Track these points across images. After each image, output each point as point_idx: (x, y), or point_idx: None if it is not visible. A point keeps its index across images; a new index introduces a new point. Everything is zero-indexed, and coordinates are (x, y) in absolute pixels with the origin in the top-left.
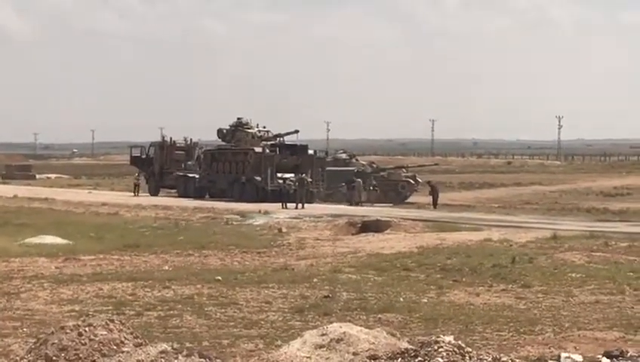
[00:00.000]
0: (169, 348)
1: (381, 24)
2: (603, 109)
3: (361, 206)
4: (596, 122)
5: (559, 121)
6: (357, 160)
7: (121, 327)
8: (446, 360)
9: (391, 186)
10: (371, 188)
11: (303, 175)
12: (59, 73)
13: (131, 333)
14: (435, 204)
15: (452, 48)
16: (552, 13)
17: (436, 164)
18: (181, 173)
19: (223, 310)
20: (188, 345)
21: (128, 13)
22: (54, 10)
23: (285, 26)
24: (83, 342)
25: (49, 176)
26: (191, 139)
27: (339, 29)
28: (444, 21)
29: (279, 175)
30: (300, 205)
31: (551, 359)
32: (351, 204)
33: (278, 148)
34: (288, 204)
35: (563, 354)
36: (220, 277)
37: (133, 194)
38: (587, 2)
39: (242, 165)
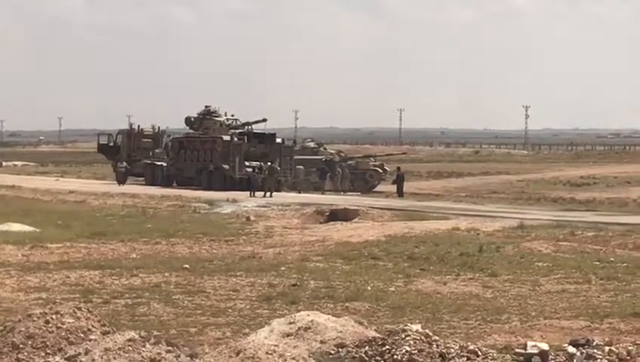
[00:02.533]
0: (137, 336)
1: (347, 12)
2: (570, 99)
3: (324, 194)
4: (563, 112)
5: (526, 111)
6: (325, 149)
7: (89, 315)
8: (413, 348)
9: (359, 175)
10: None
11: (272, 163)
12: (26, 60)
13: (99, 321)
14: (400, 192)
15: (419, 37)
16: (518, 2)
17: (404, 153)
18: (149, 161)
19: (190, 298)
20: (155, 333)
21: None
22: None
23: (252, 15)
24: (50, 329)
25: (15, 163)
26: (159, 127)
27: (306, 17)
28: (411, 9)
29: (247, 163)
30: (268, 193)
31: (517, 347)
32: (322, 193)
33: (246, 137)
34: (256, 193)
35: (529, 343)
36: (187, 266)
37: (118, 184)
38: None
39: (210, 153)
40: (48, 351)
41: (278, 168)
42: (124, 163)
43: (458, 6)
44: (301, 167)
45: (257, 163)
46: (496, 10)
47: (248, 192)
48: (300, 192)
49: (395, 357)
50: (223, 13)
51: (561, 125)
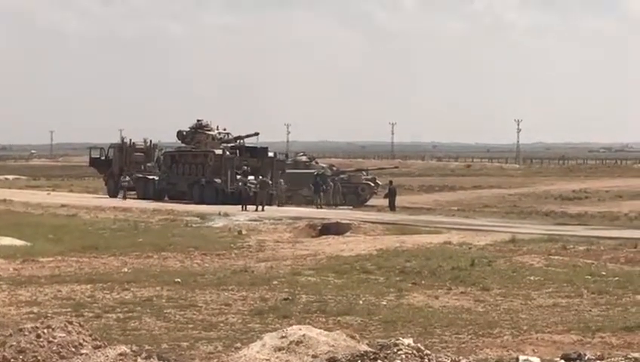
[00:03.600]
0: (128, 351)
1: (338, 26)
2: (562, 113)
3: (321, 208)
4: (555, 126)
5: (518, 125)
6: (317, 162)
7: (80, 329)
8: None
9: (351, 189)
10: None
11: (263, 177)
12: (16, 73)
13: (90, 335)
14: (392, 206)
15: (410, 51)
16: (509, 17)
17: (396, 167)
18: (140, 175)
19: (182, 312)
20: (147, 347)
21: (86, 13)
22: (11, 10)
23: (242, 29)
24: (41, 344)
25: (7, 177)
26: (151, 141)
27: (297, 31)
28: (402, 24)
29: (239, 177)
30: (260, 207)
31: (509, 361)
32: (317, 207)
33: (238, 151)
34: (248, 206)
35: (521, 357)
36: (179, 280)
37: (122, 198)
38: (544, 7)
39: (202, 167)
40: None
41: (270, 182)
42: (127, 177)
43: (449, 19)
44: (281, 180)
45: (249, 177)
46: (487, 24)
47: (240, 206)
48: (279, 206)
49: None
50: (213, 26)
51: (553, 139)
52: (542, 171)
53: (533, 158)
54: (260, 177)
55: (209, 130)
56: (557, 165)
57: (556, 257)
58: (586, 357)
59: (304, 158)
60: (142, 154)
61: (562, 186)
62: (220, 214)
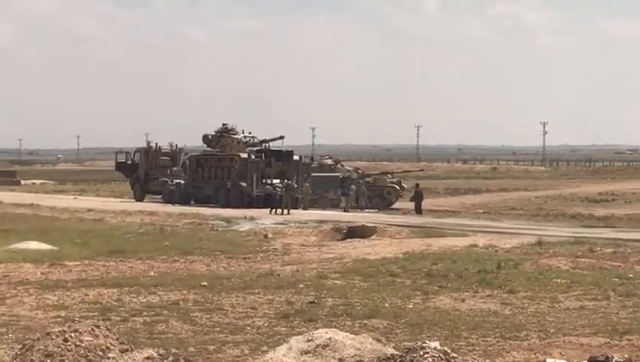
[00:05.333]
0: (155, 354)
1: (361, 30)
2: (588, 115)
3: (348, 211)
4: (581, 128)
5: (544, 127)
6: (342, 165)
7: (107, 333)
8: None
9: (376, 192)
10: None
11: (289, 181)
12: (44, 79)
13: (117, 339)
14: (418, 209)
15: (436, 55)
16: (529, 19)
17: (422, 170)
18: (166, 179)
19: (208, 316)
20: (174, 350)
21: (109, 18)
22: (35, 16)
23: (266, 34)
24: (69, 348)
25: (34, 181)
26: (176, 145)
27: (321, 36)
28: (424, 27)
29: (267, 181)
30: (285, 211)
31: None
32: (344, 210)
33: (263, 154)
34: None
35: (548, 360)
36: (205, 283)
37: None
38: (566, 9)
39: (228, 171)
40: None
41: (295, 185)
42: (175, 181)
43: (471, 22)
44: (307, 184)
45: (276, 180)
46: (509, 26)
47: (268, 209)
48: (304, 209)
49: None
50: (235, 32)
51: (579, 141)
52: (568, 173)
53: (559, 161)
54: (286, 181)
55: (234, 134)
56: (583, 167)
57: (583, 260)
58: (614, 360)
59: (329, 161)
60: (168, 158)
61: (589, 188)
62: (245, 218)
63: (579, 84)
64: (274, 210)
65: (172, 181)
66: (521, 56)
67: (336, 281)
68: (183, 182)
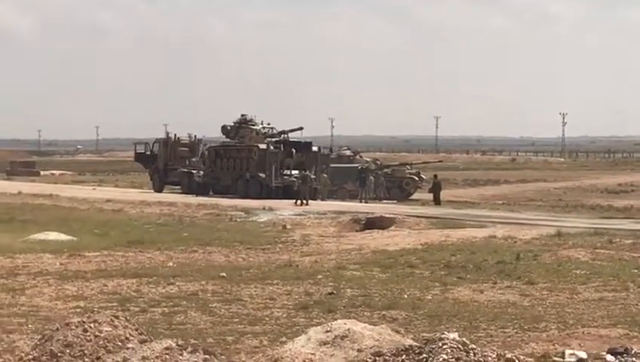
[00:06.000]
0: (174, 345)
1: (380, 21)
2: (607, 106)
3: (367, 202)
4: (600, 119)
5: (563, 118)
6: (361, 156)
7: (126, 324)
8: (450, 356)
9: (395, 183)
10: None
11: (306, 172)
12: (63, 70)
13: (136, 329)
14: (436, 200)
15: (457, 45)
16: (552, 9)
17: (440, 161)
18: (185, 170)
19: (227, 306)
20: (192, 341)
21: (130, 11)
22: (56, 7)
23: (285, 25)
24: (88, 338)
25: (53, 172)
26: (195, 136)
27: (339, 26)
28: (445, 18)
29: (287, 172)
30: (304, 202)
31: (555, 356)
32: (362, 201)
33: (282, 145)
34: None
35: (567, 351)
36: (224, 274)
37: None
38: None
39: (246, 162)
40: (86, 360)
41: (312, 176)
42: (201, 172)
43: (492, 14)
44: (324, 175)
45: (295, 171)
46: (531, 18)
47: (287, 200)
48: (321, 200)
49: None
50: (255, 23)
51: (599, 132)
52: (587, 165)
53: (578, 152)
54: (302, 172)
55: (253, 125)
56: (602, 158)
57: (602, 251)
58: (633, 352)
59: (348, 152)
60: (186, 149)
61: (608, 180)
62: (264, 208)
63: (599, 75)
64: (297, 201)
65: (199, 172)
66: (541, 47)
67: (354, 272)
68: (201, 172)
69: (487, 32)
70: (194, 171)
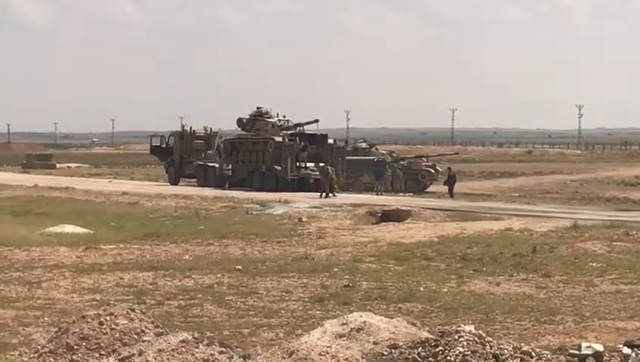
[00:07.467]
0: (190, 337)
1: (396, 13)
2: (624, 98)
3: (382, 195)
4: (617, 111)
5: (580, 110)
6: (377, 149)
7: (142, 316)
8: (466, 349)
9: (411, 175)
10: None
11: (324, 164)
12: (79, 62)
13: (152, 322)
14: (451, 192)
15: (472, 37)
16: (566, 1)
17: (456, 153)
18: (201, 163)
19: (243, 299)
20: (208, 334)
21: (144, 1)
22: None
23: (300, 15)
24: (104, 331)
25: (69, 165)
26: (211, 129)
27: (355, 18)
28: (460, 9)
29: (302, 164)
30: (323, 194)
31: (571, 348)
32: (378, 194)
33: (298, 138)
34: (311, 194)
35: (584, 344)
36: (240, 267)
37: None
38: None
39: (262, 154)
40: (102, 353)
41: (330, 169)
42: (230, 165)
43: (507, 4)
44: (332, 167)
45: (310, 164)
46: (545, 9)
47: (309, 194)
48: (334, 195)
49: (449, 358)
50: (270, 13)
51: (616, 124)
52: (604, 157)
53: (595, 144)
54: (321, 164)
55: (269, 118)
56: (619, 150)
57: (619, 243)
58: None
59: (364, 145)
60: (202, 141)
61: (625, 172)
62: (280, 201)
63: (616, 66)
64: (322, 193)
65: (227, 165)
66: (558, 39)
67: (370, 265)
68: (216, 165)
69: (504, 23)
70: (225, 165)
